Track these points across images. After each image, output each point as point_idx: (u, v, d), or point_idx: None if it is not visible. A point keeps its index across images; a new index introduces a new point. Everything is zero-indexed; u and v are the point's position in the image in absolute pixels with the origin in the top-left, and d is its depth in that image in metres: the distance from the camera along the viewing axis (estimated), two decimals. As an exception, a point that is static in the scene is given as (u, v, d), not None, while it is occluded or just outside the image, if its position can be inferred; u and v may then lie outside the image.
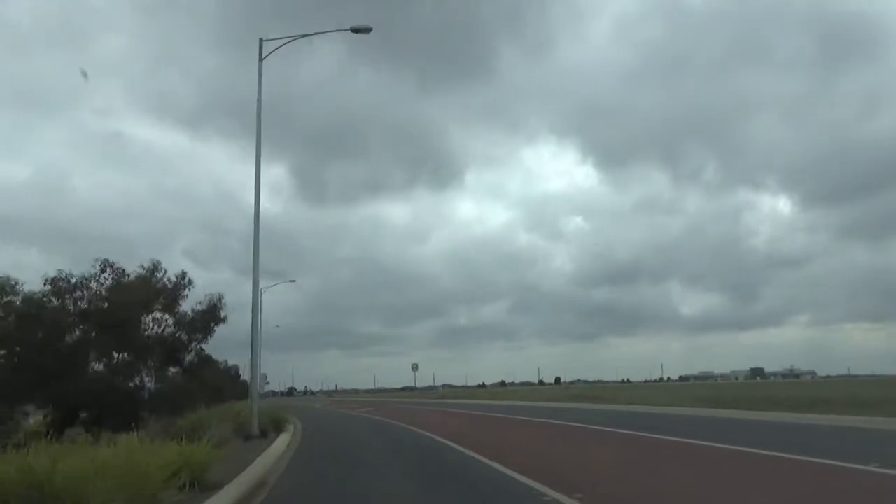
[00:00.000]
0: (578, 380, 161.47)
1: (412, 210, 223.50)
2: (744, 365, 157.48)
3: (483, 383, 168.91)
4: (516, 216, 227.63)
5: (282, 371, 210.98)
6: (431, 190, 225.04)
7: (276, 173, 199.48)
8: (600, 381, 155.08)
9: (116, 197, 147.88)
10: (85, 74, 69.06)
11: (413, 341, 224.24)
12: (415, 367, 47.70)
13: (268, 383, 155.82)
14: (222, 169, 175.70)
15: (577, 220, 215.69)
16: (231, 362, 48.70)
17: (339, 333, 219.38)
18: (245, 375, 44.12)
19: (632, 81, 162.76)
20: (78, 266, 25.11)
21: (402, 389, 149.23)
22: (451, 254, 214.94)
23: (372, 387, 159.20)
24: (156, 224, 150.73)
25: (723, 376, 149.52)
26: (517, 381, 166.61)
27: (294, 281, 73.60)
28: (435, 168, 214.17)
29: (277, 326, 74.65)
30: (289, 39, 17.24)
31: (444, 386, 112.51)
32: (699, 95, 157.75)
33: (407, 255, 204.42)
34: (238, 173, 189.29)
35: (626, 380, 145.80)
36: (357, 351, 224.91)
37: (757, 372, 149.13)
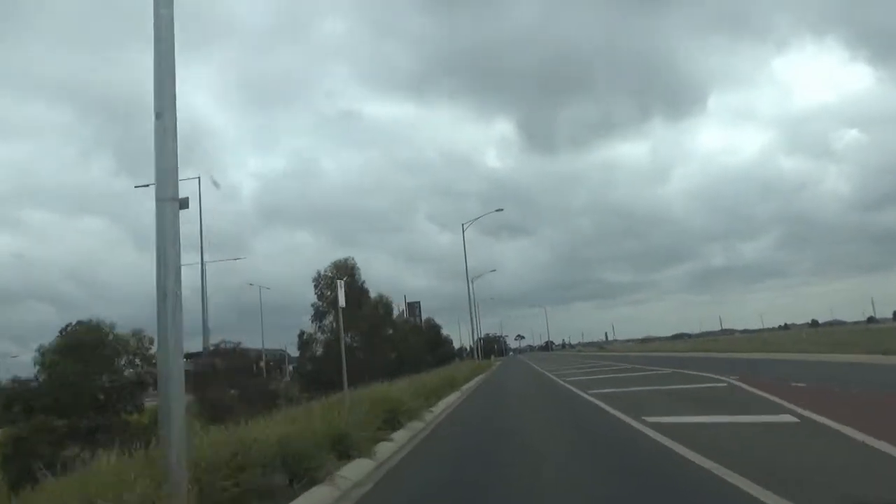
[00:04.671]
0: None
1: (649, 147, 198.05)
2: None
3: (785, 324, 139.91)
4: (772, 139, 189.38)
5: (538, 325, 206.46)
6: (669, 121, 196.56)
7: (502, 129, 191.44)
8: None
9: (359, 174, 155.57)
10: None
11: (666, 286, 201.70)
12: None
13: (523, 337, 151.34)
14: (449, 131, 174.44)
15: (852, 133, 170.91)
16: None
17: (587, 283, 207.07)
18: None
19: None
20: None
21: (673, 338, 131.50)
22: (697, 190, 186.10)
23: (633, 336, 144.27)
24: (398, 195, 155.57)
25: None
26: (822, 322, 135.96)
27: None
28: (670, 95, 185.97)
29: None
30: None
31: (723, 331, 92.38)
32: None
33: (648, 197, 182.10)
34: (465, 134, 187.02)
35: None
36: (608, 301, 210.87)
37: None
